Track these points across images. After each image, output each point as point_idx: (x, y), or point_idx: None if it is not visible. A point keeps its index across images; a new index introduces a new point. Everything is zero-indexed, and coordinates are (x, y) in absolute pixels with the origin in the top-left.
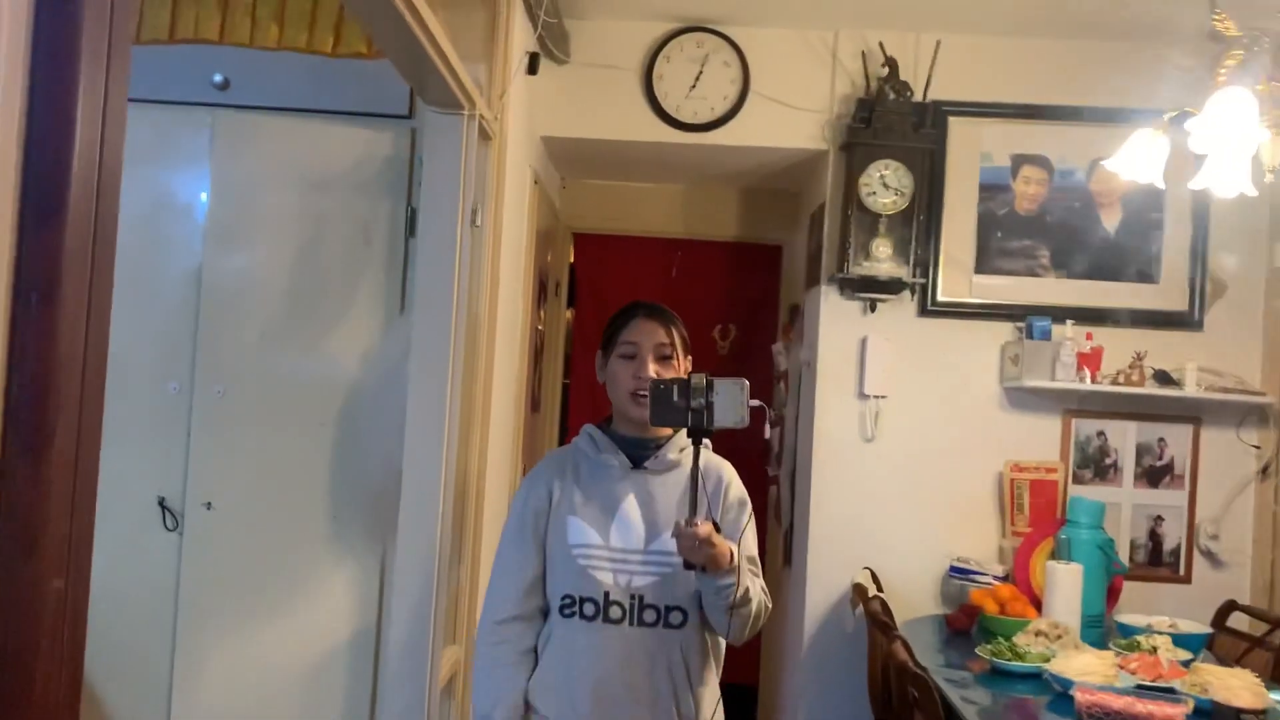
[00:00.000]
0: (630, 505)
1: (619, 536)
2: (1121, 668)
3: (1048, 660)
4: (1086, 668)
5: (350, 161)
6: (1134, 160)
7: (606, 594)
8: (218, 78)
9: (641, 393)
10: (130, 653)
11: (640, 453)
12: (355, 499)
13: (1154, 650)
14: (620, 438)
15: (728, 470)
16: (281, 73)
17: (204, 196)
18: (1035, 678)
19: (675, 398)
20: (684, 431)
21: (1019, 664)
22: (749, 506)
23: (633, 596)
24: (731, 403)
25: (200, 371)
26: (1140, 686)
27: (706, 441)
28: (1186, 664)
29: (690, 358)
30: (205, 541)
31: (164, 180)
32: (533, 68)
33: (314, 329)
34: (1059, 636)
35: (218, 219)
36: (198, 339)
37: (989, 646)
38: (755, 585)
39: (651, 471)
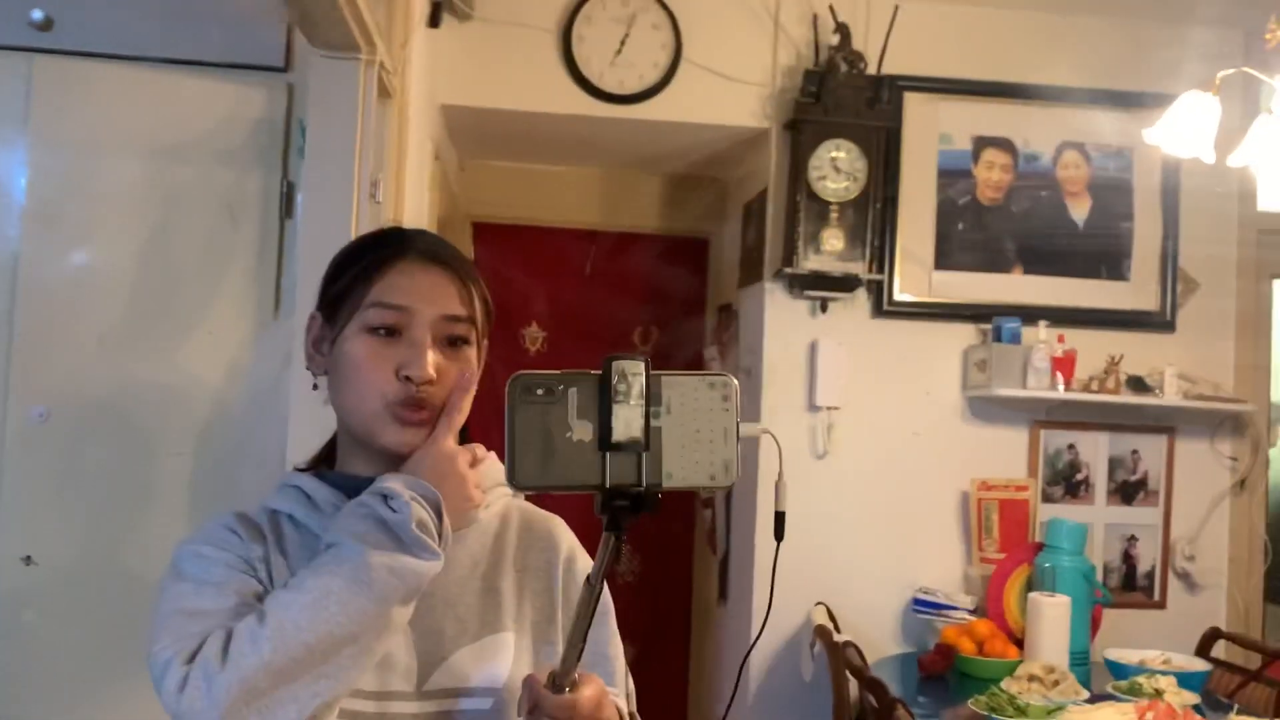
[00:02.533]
0: None
1: (368, 672)
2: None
3: (1052, 714)
4: None
5: (210, 124)
6: (1180, 129)
7: None
8: (37, 15)
9: (410, 405)
10: None
11: None
12: None
13: (1159, 694)
14: (355, 484)
15: (561, 531)
16: (120, 9)
17: (21, 168)
18: None
19: (571, 419)
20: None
21: None
22: (607, 594)
23: None
24: (703, 429)
25: (16, 389)
26: None
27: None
28: (1198, 709)
29: (486, 345)
30: (24, 606)
31: None
32: (434, 20)
33: (165, 334)
34: (1056, 683)
35: (40, 196)
36: (11, 348)
37: (983, 698)
38: None
39: None
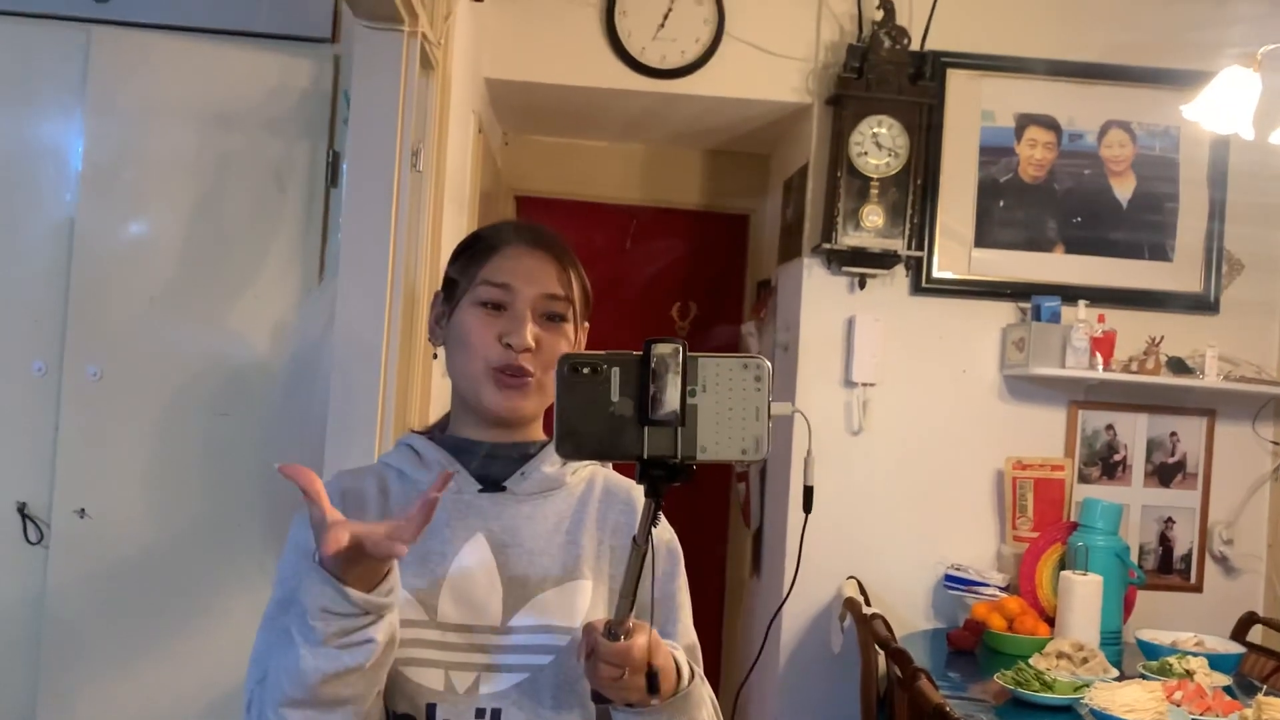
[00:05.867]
0: (477, 554)
1: (457, 607)
2: (1166, 698)
3: (1079, 690)
4: (1134, 702)
5: (260, 94)
6: (1219, 105)
7: (431, 709)
8: None
9: (510, 371)
10: None
11: (495, 466)
12: (264, 506)
13: (1189, 675)
14: (462, 445)
15: (639, 495)
16: None
17: (78, 135)
18: (1066, 710)
19: (614, 395)
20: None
21: (1050, 696)
22: (679, 556)
23: (481, 714)
24: (736, 407)
25: (71, 349)
26: None
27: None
28: (1229, 690)
29: (588, 326)
30: (77, 556)
31: (27, 113)
32: None
33: (213, 298)
34: (1084, 660)
35: (95, 162)
36: (69, 309)
37: (1009, 673)
38: (707, 703)
39: (516, 496)
